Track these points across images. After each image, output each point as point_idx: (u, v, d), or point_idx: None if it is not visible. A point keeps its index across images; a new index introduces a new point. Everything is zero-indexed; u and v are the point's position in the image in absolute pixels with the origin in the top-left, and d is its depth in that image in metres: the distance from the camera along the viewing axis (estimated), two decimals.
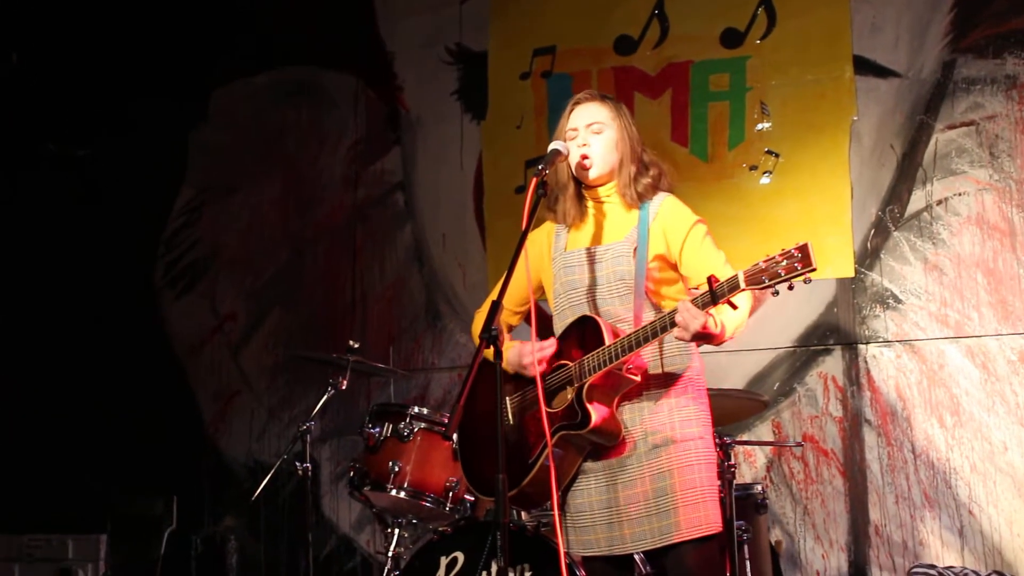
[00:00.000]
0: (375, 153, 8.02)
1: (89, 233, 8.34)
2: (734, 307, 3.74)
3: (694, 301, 3.75)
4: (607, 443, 4.04)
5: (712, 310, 3.81)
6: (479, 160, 7.69)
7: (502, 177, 7.57)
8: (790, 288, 3.63)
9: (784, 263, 3.61)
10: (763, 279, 3.64)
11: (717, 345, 3.97)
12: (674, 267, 4.19)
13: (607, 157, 4.23)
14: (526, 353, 4.15)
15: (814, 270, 3.59)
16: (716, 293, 3.71)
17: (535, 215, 4.11)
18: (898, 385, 6.60)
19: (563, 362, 4.08)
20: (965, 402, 6.48)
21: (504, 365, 4.12)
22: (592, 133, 4.24)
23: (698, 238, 4.15)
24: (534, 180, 4.07)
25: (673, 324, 3.80)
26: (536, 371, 4.02)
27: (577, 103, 4.32)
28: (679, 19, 7.30)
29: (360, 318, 7.80)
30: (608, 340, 3.95)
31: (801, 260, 3.59)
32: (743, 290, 3.68)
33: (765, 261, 3.64)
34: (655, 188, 4.24)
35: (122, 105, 8.38)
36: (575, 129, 4.26)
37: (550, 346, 4.13)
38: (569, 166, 4.24)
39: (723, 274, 3.81)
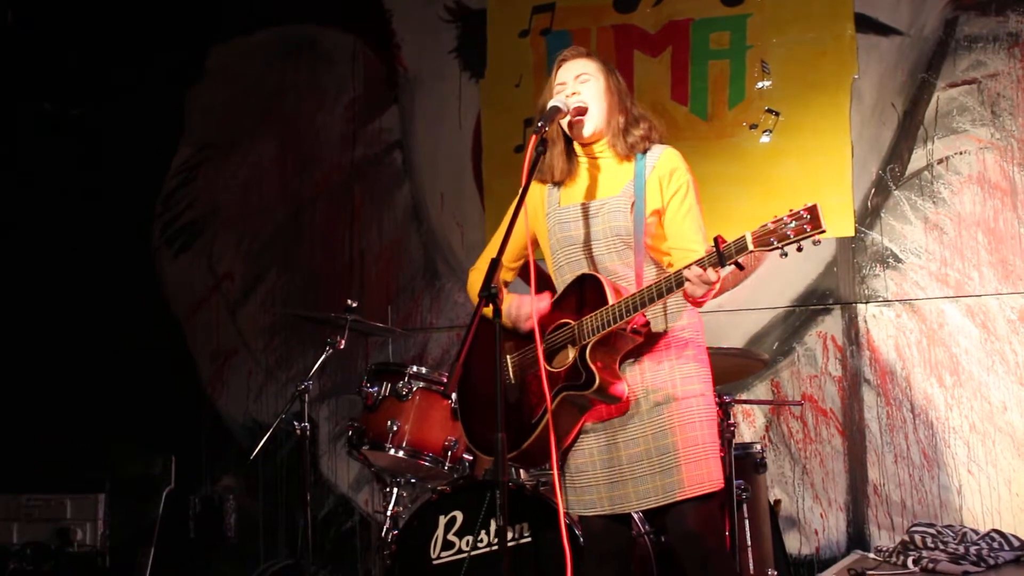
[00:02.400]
0: (373, 112, 7.98)
1: (86, 192, 8.31)
2: (741, 268, 3.71)
3: (700, 262, 3.70)
4: (610, 403, 4.02)
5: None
6: (478, 119, 7.67)
7: (501, 136, 7.55)
8: (799, 250, 3.58)
9: (793, 224, 3.56)
10: (771, 240, 3.59)
11: (696, 305, 3.98)
12: None
13: (598, 104, 4.19)
14: (524, 309, 4.13)
15: (824, 231, 3.53)
16: (724, 255, 3.66)
17: (534, 173, 4.07)
18: (897, 344, 6.60)
19: (564, 320, 4.05)
20: (965, 361, 6.48)
21: (502, 319, 4.10)
22: (580, 83, 4.21)
23: (686, 201, 4.12)
24: (533, 137, 4.04)
25: (679, 285, 3.76)
26: (535, 327, 3.99)
27: (563, 60, 4.30)
28: None
29: (358, 277, 7.78)
30: (611, 299, 3.91)
31: (810, 221, 3.54)
32: (751, 252, 3.64)
33: (773, 222, 3.59)
34: (646, 139, 4.20)
35: (119, 64, 8.34)
36: (563, 83, 4.23)
37: (544, 303, 4.10)
38: (560, 124, 4.20)
39: (697, 248, 3.81)
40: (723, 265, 3.69)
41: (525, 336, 4.17)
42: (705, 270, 3.70)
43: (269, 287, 8.05)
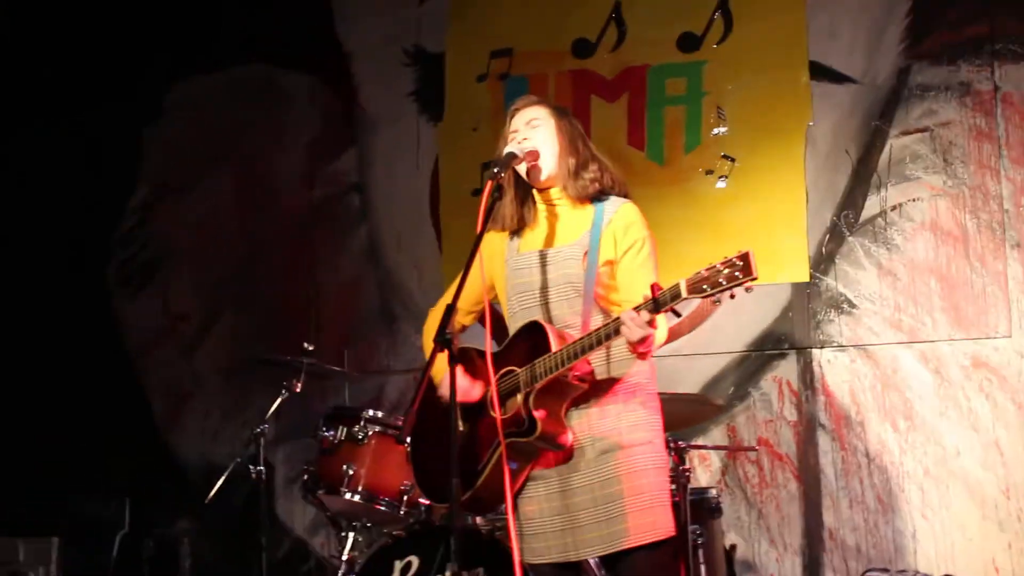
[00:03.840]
0: (331, 152, 8.03)
1: (41, 231, 8.29)
2: (678, 315, 3.77)
3: (637, 308, 3.77)
4: (555, 450, 4.06)
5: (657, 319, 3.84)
6: (435, 162, 7.71)
7: (458, 179, 7.60)
8: (732, 297, 3.65)
9: (726, 271, 3.63)
10: (704, 287, 3.66)
11: (641, 358, 4.02)
12: None
13: (548, 148, 4.24)
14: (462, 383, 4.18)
15: (755, 279, 3.60)
16: (659, 301, 3.74)
17: (490, 218, 4.12)
18: (852, 389, 6.67)
19: (512, 368, 4.10)
20: (918, 407, 6.56)
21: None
22: (530, 128, 4.27)
23: (640, 255, 4.17)
24: (489, 183, 4.11)
25: (617, 332, 3.82)
26: (495, 396, 4.05)
27: (516, 109, 4.37)
28: (636, 23, 7.35)
29: (315, 319, 7.79)
30: (554, 346, 3.97)
31: (742, 268, 3.61)
32: (685, 299, 3.70)
33: (707, 270, 3.66)
34: (597, 182, 4.25)
35: (75, 103, 8.34)
36: (515, 131, 4.30)
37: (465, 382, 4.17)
38: (517, 171, 4.26)
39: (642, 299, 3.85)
40: (659, 311, 3.76)
41: (476, 385, 4.21)
42: (639, 313, 3.76)
43: (225, 328, 8.06)
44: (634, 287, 4.06)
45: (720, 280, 3.63)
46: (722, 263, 3.64)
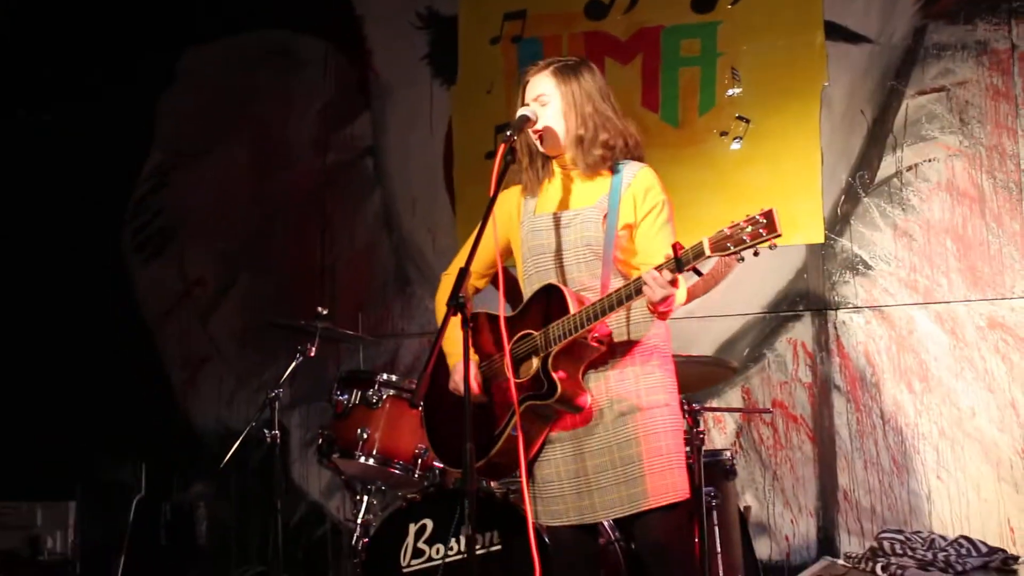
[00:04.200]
0: (345, 117, 8.00)
1: (57, 198, 8.29)
2: (700, 274, 3.74)
3: (659, 268, 3.74)
4: (573, 412, 4.04)
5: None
6: (449, 125, 7.69)
7: (472, 142, 7.57)
8: (755, 254, 3.62)
9: (749, 229, 3.60)
10: (728, 245, 3.63)
11: (661, 318, 4.00)
12: None
13: (556, 127, 4.21)
14: (455, 375, 4.20)
15: (779, 236, 3.57)
16: (681, 260, 3.71)
17: (503, 182, 4.09)
18: (867, 351, 6.64)
19: (528, 331, 4.08)
20: (933, 368, 6.52)
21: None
22: (540, 106, 4.23)
23: (659, 219, 4.13)
24: (502, 146, 4.07)
25: (638, 292, 3.79)
26: (507, 358, 4.04)
27: (526, 80, 4.32)
28: None
29: (329, 284, 7.79)
30: (573, 309, 3.95)
31: (766, 226, 3.58)
32: (708, 256, 3.67)
33: (730, 227, 3.63)
34: (609, 156, 4.20)
35: (90, 68, 8.33)
36: (527, 104, 4.26)
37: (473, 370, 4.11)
38: (530, 135, 4.24)
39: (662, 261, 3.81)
40: (681, 270, 3.73)
41: (491, 346, 4.19)
42: (661, 272, 3.73)
43: (240, 293, 8.06)
44: (654, 251, 4.04)
45: (744, 238, 3.61)
46: (745, 220, 3.61)
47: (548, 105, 4.22)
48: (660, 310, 3.87)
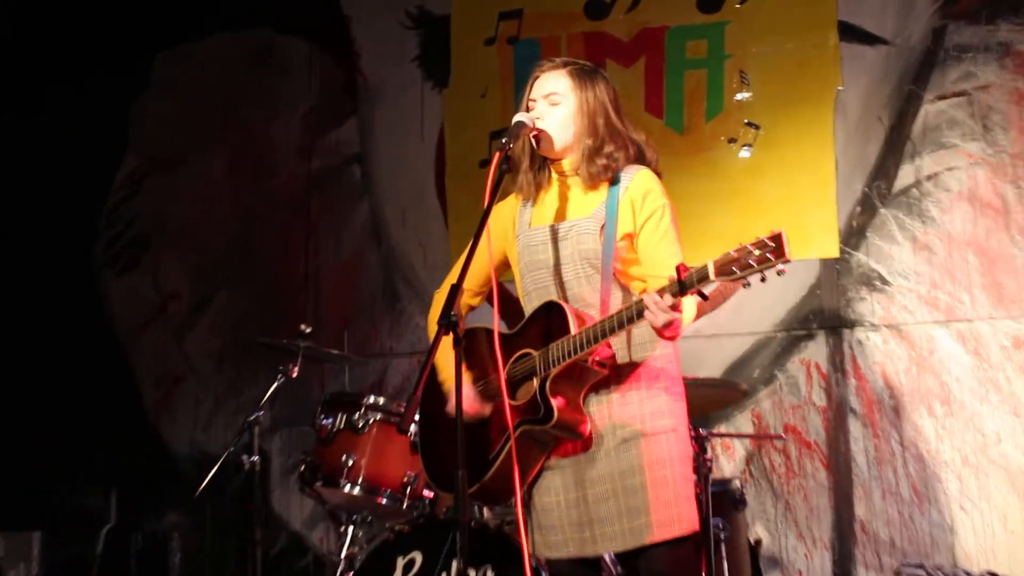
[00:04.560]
0: (330, 122, 7.99)
1: (25, 207, 8.26)
2: (704, 297, 3.69)
3: (661, 291, 3.69)
4: (572, 438, 4.00)
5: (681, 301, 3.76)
6: (441, 131, 7.67)
7: (465, 150, 7.55)
8: (762, 280, 3.56)
9: (756, 253, 3.54)
10: (733, 270, 3.58)
11: (669, 339, 3.95)
12: None
13: (562, 131, 4.16)
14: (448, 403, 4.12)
15: (788, 262, 3.52)
16: (685, 284, 3.66)
17: (498, 192, 4.04)
18: (885, 372, 6.59)
19: (527, 351, 4.03)
20: (956, 390, 6.47)
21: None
22: (549, 105, 4.18)
23: (661, 225, 4.08)
24: (497, 154, 4.03)
25: (640, 316, 3.75)
26: (502, 380, 3.99)
27: (538, 74, 4.27)
28: None
29: (313, 299, 7.77)
30: (573, 329, 3.90)
31: (774, 251, 3.52)
32: (712, 281, 3.63)
33: (736, 251, 3.58)
34: (609, 169, 4.16)
35: (60, 71, 8.30)
36: (534, 100, 4.20)
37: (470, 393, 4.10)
38: (529, 139, 4.17)
39: (668, 272, 3.75)
40: (684, 294, 3.68)
41: (486, 365, 4.14)
42: (663, 296, 3.68)
43: (219, 308, 8.03)
44: (657, 260, 4.01)
45: (750, 262, 3.54)
46: (753, 244, 3.55)
47: (559, 105, 4.17)
48: (666, 334, 3.82)
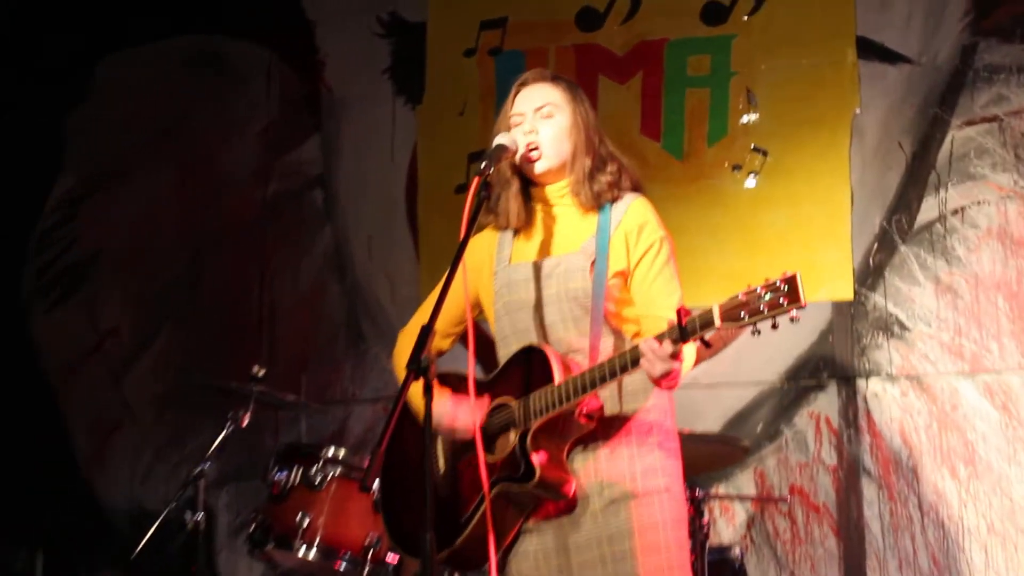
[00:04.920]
0: (290, 140, 8.01)
1: None
2: (707, 345, 3.69)
3: (659, 337, 3.69)
4: (555, 498, 3.99)
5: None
6: (414, 152, 7.68)
7: (440, 173, 7.57)
8: (774, 327, 3.55)
9: (768, 297, 3.52)
10: (742, 315, 3.56)
11: (668, 389, 3.93)
12: None
13: (558, 147, 4.17)
14: (459, 420, 4.08)
15: (803, 307, 3.49)
16: (686, 330, 3.64)
17: (476, 221, 4.05)
18: (903, 428, 6.61)
19: (504, 400, 4.03)
20: (982, 449, 6.50)
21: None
22: (542, 118, 4.19)
23: (658, 261, 4.10)
24: (476, 180, 4.03)
25: (635, 364, 3.75)
26: (477, 434, 3.94)
27: (523, 84, 4.27)
28: None
29: (268, 338, 7.76)
30: (558, 377, 3.89)
31: (788, 294, 3.49)
32: (717, 328, 3.61)
33: (745, 294, 3.56)
34: (615, 187, 4.18)
35: None
36: (521, 114, 4.21)
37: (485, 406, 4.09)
38: (514, 162, 4.18)
39: (665, 312, 3.76)
40: (685, 341, 3.66)
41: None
42: (662, 343, 3.68)
43: (162, 347, 8.01)
44: (654, 300, 4.02)
45: (761, 307, 3.53)
46: (763, 286, 3.54)
47: (553, 118, 4.19)
48: (663, 385, 3.82)
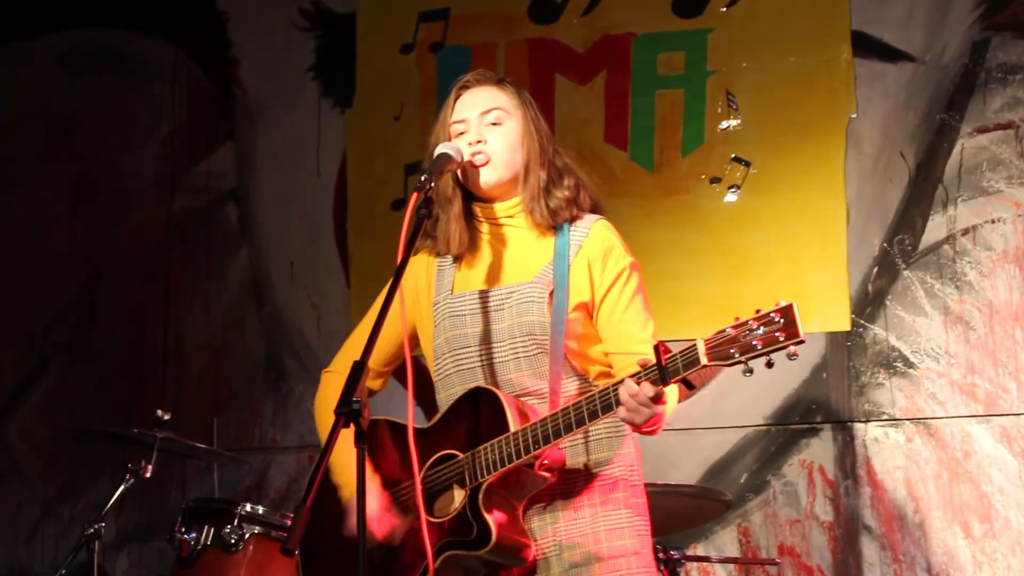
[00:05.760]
0: (199, 149, 8.01)
1: None
2: (691, 387, 3.67)
3: (637, 378, 3.66)
4: (511, 564, 3.98)
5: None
6: (342, 163, 7.68)
7: (374, 186, 7.59)
8: (769, 365, 3.53)
9: (760, 331, 3.50)
10: (732, 352, 3.54)
11: (647, 434, 3.92)
12: None
13: (510, 157, 4.17)
14: (380, 522, 4.06)
15: (802, 342, 3.47)
16: (667, 370, 3.62)
17: (416, 243, 4.04)
18: (908, 479, 6.64)
19: (449, 452, 4.01)
20: (999, 503, 6.54)
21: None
22: (489, 124, 4.18)
23: (626, 291, 4.10)
24: (414, 196, 3.99)
25: (607, 408, 3.72)
26: (418, 488, 3.89)
27: (465, 87, 4.27)
28: None
29: (174, 377, 7.72)
30: (514, 425, 3.87)
31: (784, 327, 3.48)
32: (704, 367, 3.59)
33: (735, 327, 3.54)
34: (572, 204, 4.18)
35: None
36: (463, 120, 4.20)
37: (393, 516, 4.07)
38: (456, 175, 4.17)
39: (646, 351, 3.74)
40: (666, 383, 3.64)
41: (397, 469, 4.11)
42: (640, 385, 3.64)
43: (50, 388, 7.97)
44: (625, 336, 4.02)
45: (753, 342, 3.51)
46: (755, 318, 3.52)
47: (503, 125, 4.18)
48: (644, 430, 3.81)
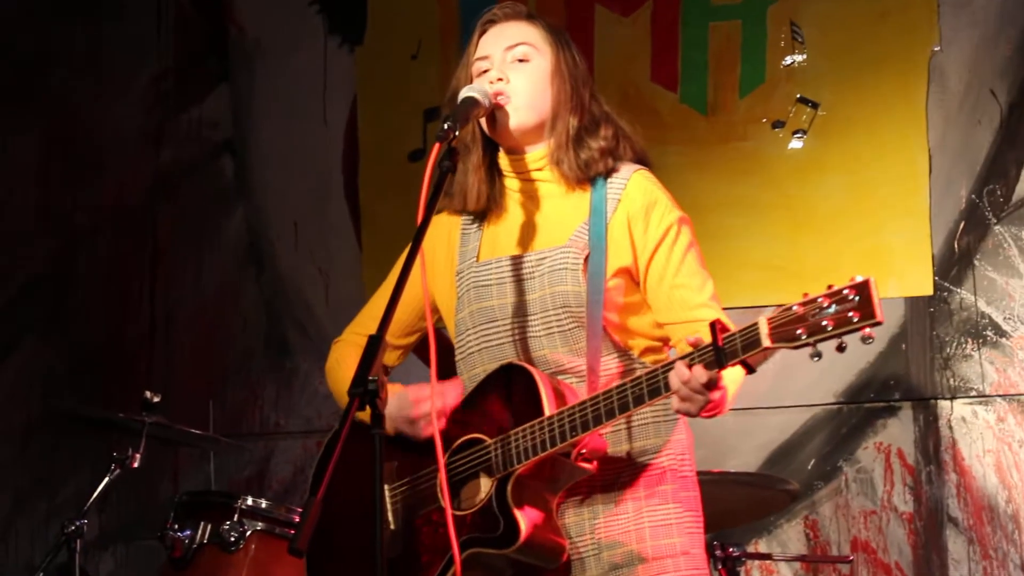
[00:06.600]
0: (190, 95, 8.04)
1: None
2: (751, 370, 3.62)
3: (689, 362, 3.62)
4: (543, 565, 4.00)
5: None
6: (352, 108, 7.70)
7: (388, 135, 7.63)
8: (840, 349, 3.42)
9: (832, 309, 3.41)
10: (798, 333, 3.45)
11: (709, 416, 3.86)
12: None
13: (535, 98, 4.16)
14: (421, 407, 4.07)
15: (879, 323, 3.35)
16: (724, 351, 3.57)
17: (439, 200, 4.01)
18: (1000, 464, 6.65)
19: (476, 436, 4.02)
20: None
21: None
22: (515, 60, 4.18)
23: (676, 249, 4.10)
24: (437, 146, 3.97)
25: (655, 393, 3.71)
26: (435, 430, 3.92)
27: (491, 22, 4.27)
28: None
29: (163, 354, 7.76)
30: (548, 408, 3.87)
31: (859, 307, 3.37)
32: (766, 349, 3.53)
33: (802, 304, 3.46)
34: (608, 155, 4.18)
35: None
36: (486, 57, 4.20)
37: (455, 390, 4.10)
38: (479, 124, 4.18)
39: (707, 316, 3.73)
40: (722, 366, 3.59)
41: (415, 457, 4.14)
42: (692, 370, 3.61)
43: (22, 366, 8.03)
44: (682, 302, 4.02)
45: (823, 323, 3.41)
46: (826, 295, 3.41)
47: (530, 62, 4.18)
48: (703, 415, 3.75)
